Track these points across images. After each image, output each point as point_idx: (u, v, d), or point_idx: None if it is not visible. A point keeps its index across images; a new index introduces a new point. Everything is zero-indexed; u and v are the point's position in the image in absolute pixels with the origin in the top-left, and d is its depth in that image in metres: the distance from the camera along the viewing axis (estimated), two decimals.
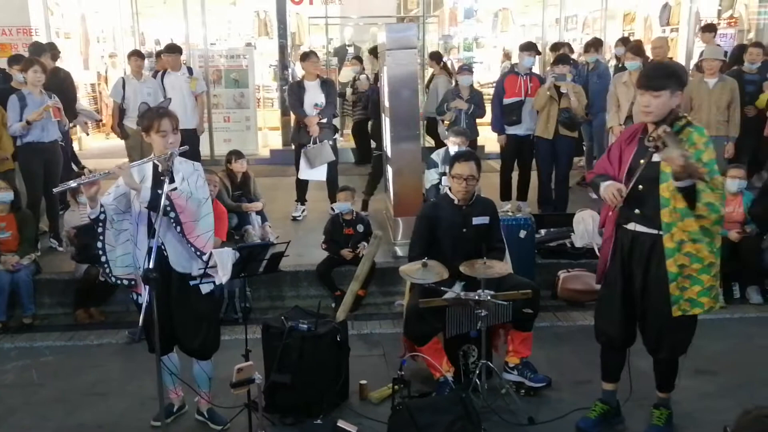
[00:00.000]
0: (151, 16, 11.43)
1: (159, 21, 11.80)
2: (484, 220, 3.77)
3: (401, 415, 3.10)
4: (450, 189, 3.79)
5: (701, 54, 7.33)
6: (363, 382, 3.64)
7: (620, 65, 7.00)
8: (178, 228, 2.97)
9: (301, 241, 5.50)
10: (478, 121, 6.57)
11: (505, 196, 6.48)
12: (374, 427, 3.33)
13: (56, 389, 3.85)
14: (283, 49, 9.43)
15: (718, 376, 3.84)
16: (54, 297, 5.05)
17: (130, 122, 6.58)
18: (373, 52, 8.55)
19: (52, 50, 6.89)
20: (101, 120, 10.56)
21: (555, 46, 7.98)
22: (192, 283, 3.09)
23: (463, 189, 3.67)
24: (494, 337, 3.77)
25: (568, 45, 7.90)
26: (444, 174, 5.42)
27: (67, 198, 5.74)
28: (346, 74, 9.75)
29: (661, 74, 2.89)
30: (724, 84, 5.88)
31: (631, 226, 3.00)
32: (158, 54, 8.02)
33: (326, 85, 6.23)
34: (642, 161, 2.87)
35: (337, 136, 6.51)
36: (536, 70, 6.85)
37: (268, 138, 10.22)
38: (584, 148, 7.47)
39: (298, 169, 6.26)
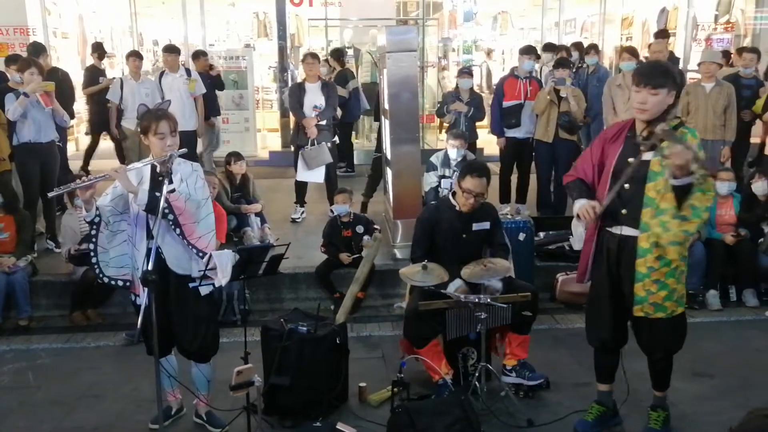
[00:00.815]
0: (150, 16, 11.40)
1: (157, 22, 11.77)
2: (485, 225, 3.77)
3: (400, 418, 3.10)
4: (452, 194, 3.78)
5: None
6: (362, 384, 3.63)
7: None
8: (178, 230, 2.96)
9: (301, 243, 5.49)
10: (477, 123, 6.58)
11: (504, 198, 6.48)
12: (373, 429, 3.33)
13: (52, 392, 3.83)
14: (282, 50, 9.43)
15: (714, 378, 3.85)
16: (51, 299, 5.02)
17: (128, 123, 6.57)
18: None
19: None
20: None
21: (547, 47, 8.03)
22: (191, 285, 3.08)
23: (470, 204, 3.66)
24: (493, 339, 3.77)
25: (567, 48, 7.91)
26: (443, 177, 5.42)
27: (64, 200, 5.73)
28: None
29: (660, 72, 2.86)
30: (720, 88, 5.90)
31: (617, 229, 2.98)
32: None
33: (327, 87, 6.23)
34: (631, 160, 2.84)
35: (336, 138, 6.50)
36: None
37: (267, 140, 10.21)
38: (582, 150, 7.48)
39: (296, 171, 6.26)
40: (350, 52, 9.89)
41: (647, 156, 2.83)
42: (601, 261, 3.07)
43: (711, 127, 5.88)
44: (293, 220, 6.39)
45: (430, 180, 5.52)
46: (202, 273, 3.03)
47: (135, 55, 6.94)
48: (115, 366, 4.15)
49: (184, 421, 3.45)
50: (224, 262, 3.03)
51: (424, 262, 3.54)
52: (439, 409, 3.17)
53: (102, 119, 7.31)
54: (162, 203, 2.84)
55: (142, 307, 2.76)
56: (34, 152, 5.37)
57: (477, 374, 3.46)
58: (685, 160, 2.62)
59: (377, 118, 7.23)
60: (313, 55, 6.48)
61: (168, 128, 3.00)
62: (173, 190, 2.96)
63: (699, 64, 6.23)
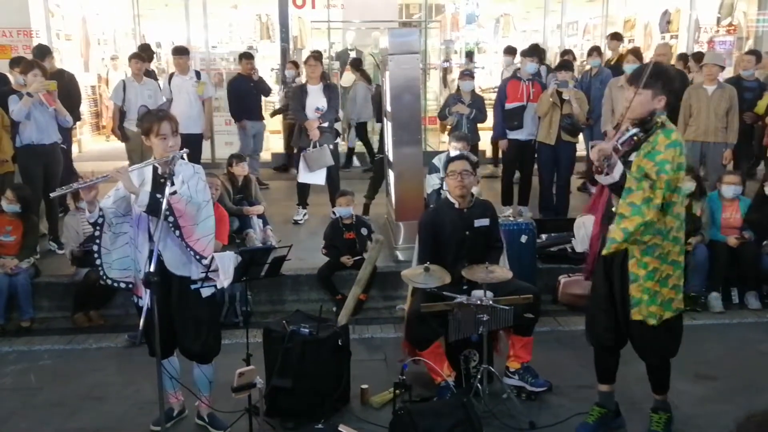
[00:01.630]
0: (153, 18, 11.42)
1: (160, 23, 11.80)
2: (485, 221, 3.78)
3: (402, 420, 3.09)
4: (449, 193, 3.79)
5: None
6: (364, 386, 3.63)
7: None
8: (177, 232, 2.96)
9: (303, 245, 5.49)
10: (479, 125, 6.59)
11: (507, 200, 6.48)
12: (375, 431, 3.32)
13: (55, 393, 3.83)
14: (284, 52, 9.44)
15: (717, 381, 3.84)
16: (53, 300, 5.02)
17: (131, 125, 6.57)
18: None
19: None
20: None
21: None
22: (192, 287, 3.08)
23: (460, 184, 3.67)
24: (495, 339, 3.77)
25: (572, 52, 7.93)
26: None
27: (66, 201, 5.74)
28: (348, 78, 9.76)
29: (651, 73, 2.88)
30: (722, 91, 5.90)
31: (613, 227, 2.98)
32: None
33: (329, 89, 6.23)
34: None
35: (338, 140, 6.50)
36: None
37: (270, 141, 10.21)
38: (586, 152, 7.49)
39: (298, 173, 6.26)
40: (353, 54, 9.90)
41: (631, 157, 2.87)
42: (600, 262, 3.09)
43: (713, 129, 5.87)
44: (295, 222, 6.39)
45: (432, 182, 5.52)
46: (203, 275, 3.03)
47: (137, 57, 6.94)
48: (118, 368, 4.15)
49: (186, 423, 3.45)
50: (226, 264, 3.03)
51: (426, 264, 3.54)
52: (441, 411, 3.16)
53: None
54: (164, 205, 2.84)
55: (144, 309, 2.76)
56: (37, 154, 5.38)
57: (479, 376, 3.46)
58: (599, 158, 2.71)
59: (379, 120, 7.23)
60: (316, 57, 6.48)
61: (170, 129, 3.01)
62: (174, 192, 2.97)
63: (701, 66, 6.22)
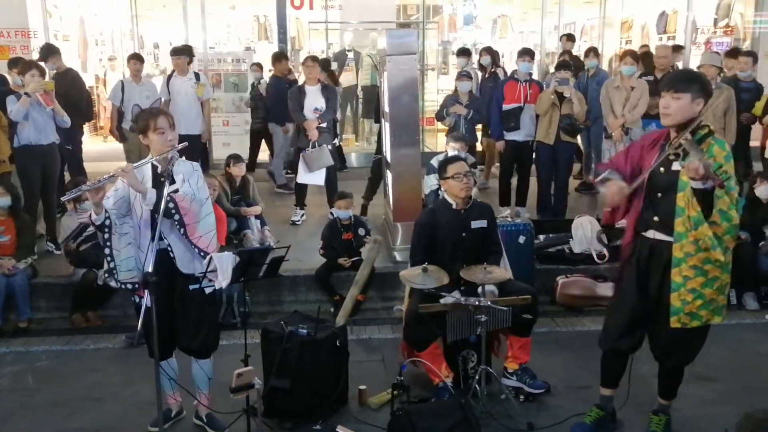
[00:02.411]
0: (151, 19, 11.41)
1: (158, 24, 11.79)
2: (483, 223, 3.79)
3: (401, 421, 3.10)
4: (446, 193, 3.79)
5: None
6: (362, 387, 3.63)
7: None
8: (182, 230, 2.97)
9: (300, 246, 5.48)
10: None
11: (504, 201, 6.49)
12: None
13: (52, 394, 3.83)
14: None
15: (715, 382, 3.84)
16: (50, 301, 5.01)
17: (129, 125, 6.57)
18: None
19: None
20: None
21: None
22: (191, 287, 3.08)
23: (466, 186, 3.69)
24: (493, 340, 3.77)
25: (570, 53, 7.95)
26: None
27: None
28: (346, 79, 9.77)
29: (684, 78, 2.90)
30: (720, 91, 5.91)
31: (650, 233, 2.99)
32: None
33: (327, 90, 6.24)
34: (662, 169, 2.86)
35: (336, 140, 6.50)
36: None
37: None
38: (584, 153, 7.51)
39: (296, 174, 6.26)
40: (350, 55, 9.90)
41: (676, 166, 2.85)
42: (631, 267, 3.07)
43: None
44: (293, 223, 6.39)
45: (430, 183, 5.51)
46: (202, 275, 3.03)
47: (136, 58, 6.94)
48: (116, 368, 4.15)
49: (184, 424, 3.44)
50: (224, 264, 3.03)
51: (424, 265, 3.54)
52: (439, 412, 3.17)
53: None
54: (164, 204, 2.85)
55: (143, 309, 2.76)
56: (35, 154, 5.37)
57: (477, 377, 3.46)
58: (698, 174, 2.64)
59: (377, 121, 7.24)
60: (314, 58, 6.49)
61: (167, 123, 3.02)
62: (176, 190, 2.97)
63: (698, 68, 6.24)
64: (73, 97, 6.34)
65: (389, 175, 5.59)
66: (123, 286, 3.09)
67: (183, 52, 6.87)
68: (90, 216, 3.00)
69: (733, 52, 7.15)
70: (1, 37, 8.57)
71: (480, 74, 7.79)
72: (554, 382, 3.73)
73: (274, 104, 7.64)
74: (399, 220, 5.25)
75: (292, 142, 6.54)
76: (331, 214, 5.45)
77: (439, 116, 6.69)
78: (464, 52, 8.08)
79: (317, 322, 3.54)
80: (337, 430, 3.24)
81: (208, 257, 3.01)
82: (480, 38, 12.24)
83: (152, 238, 2.95)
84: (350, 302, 4.45)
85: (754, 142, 6.88)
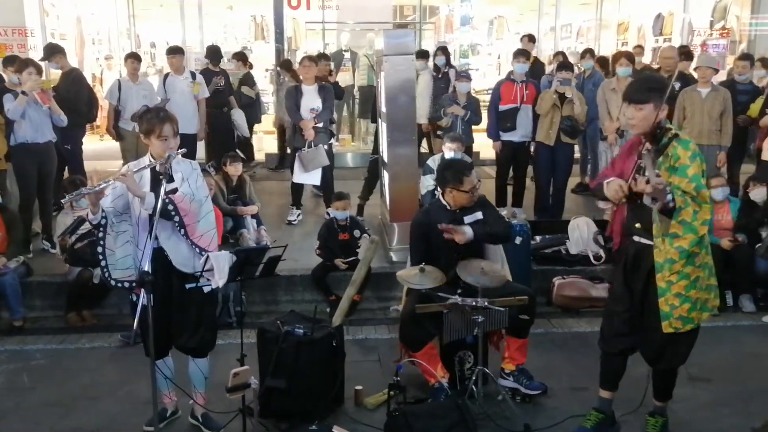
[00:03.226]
0: (148, 18, 11.40)
1: (155, 24, 11.77)
2: (477, 215, 3.76)
3: (397, 421, 3.09)
4: (442, 194, 3.78)
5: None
6: (358, 387, 3.62)
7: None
8: (183, 231, 2.97)
9: (297, 246, 5.47)
10: (473, 127, 6.59)
11: (501, 202, 6.49)
12: None
13: (47, 393, 3.81)
14: (279, 53, 9.43)
15: (712, 384, 3.85)
16: (45, 299, 4.99)
17: (126, 124, 6.55)
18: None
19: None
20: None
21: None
22: (188, 286, 3.07)
23: (471, 199, 3.70)
24: (493, 334, 3.76)
25: (563, 53, 7.96)
26: None
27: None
28: (343, 79, 9.75)
29: (644, 88, 2.94)
30: (716, 94, 5.93)
31: (636, 238, 3.03)
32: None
33: (324, 90, 6.23)
34: (638, 176, 2.87)
35: (332, 140, 6.50)
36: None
37: (264, 142, 10.19)
38: (580, 154, 7.53)
39: (293, 173, 6.26)
40: (347, 55, 9.90)
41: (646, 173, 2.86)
42: (620, 270, 3.11)
43: (707, 132, 5.90)
44: (289, 222, 6.38)
45: (426, 183, 5.52)
46: (199, 274, 3.02)
47: (133, 57, 6.93)
48: (111, 367, 4.13)
49: (180, 424, 3.43)
50: (221, 264, 3.02)
51: (421, 265, 3.54)
52: (435, 412, 3.16)
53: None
54: (161, 204, 2.85)
55: (139, 308, 2.75)
56: (31, 152, 5.35)
57: (474, 378, 3.46)
58: (646, 192, 2.69)
59: (374, 120, 7.23)
60: (310, 58, 6.49)
61: (171, 131, 3.02)
62: (175, 190, 2.96)
63: (695, 69, 6.25)
64: (75, 96, 6.31)
65: (386, 176, 5.59)
66: (118, 285, 3.08)
67: (178, 51, 6.87)
68: (87, 213, 3.00)
69: (746, 56, 7.12)
70: None
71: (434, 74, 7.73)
72: (551, 383, 3.72)
73: None
74: (395, 220, 5.25)
75: (289, 141, 6.53)
76: (328, 214, 5.44)
77: (437, 116, 6.69)
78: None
79: (313, 322, 3.53)
80: (333, 430, 3.23)
81: (205, 256, 3.00)
82: (476, 39, 12.29)
83: (150, 237, 2.95)
84: (347, 302, 4.44)
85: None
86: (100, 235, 3.01)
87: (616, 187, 2.88)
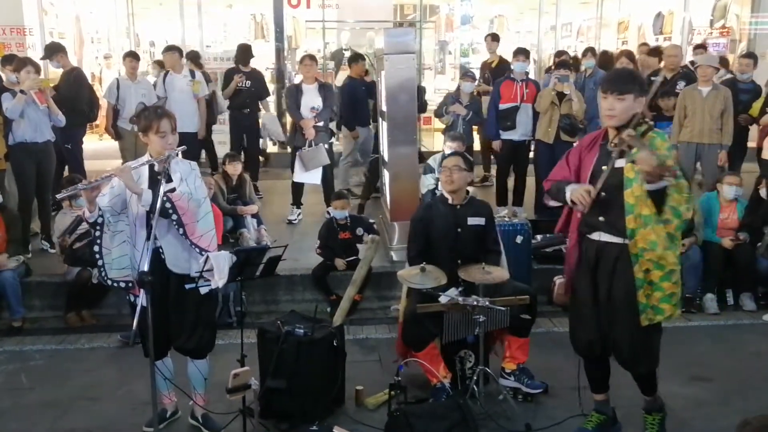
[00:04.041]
0: (147, 17, 11.37)
1: (154, 22, 11.74)
2: (480, 221, 3.76)
3: (398, 421, 3.08)
4: (443, 189, 3.79)
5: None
6: (359, 387, 3.61)
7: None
8: (181, 230, 2.95)
9: (297, 245, 5.46)
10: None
11: (501, 201, 6.48)
12: None
13: (46, 393, 3.80)
14: (279, 52, 9.41)
15: (712, 382, 3.84)
16: (45, 300, 4.98)
17: (124, 123, 6.54)
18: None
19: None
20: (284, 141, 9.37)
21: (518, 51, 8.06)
22: (187, 286, 3.06)
23: (449, 178, 3.68)
24: (491, 339, 3.75)
25: (566, 53, 7.95)
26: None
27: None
28: (343, 78, 9.74)
29: (625, 79, 2.90)
30: (717, 92, 5.92)
31: (596, 236, 2.96)
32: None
33: (324, 88, 6.23)
34: (604, 167, 2.84)
35: (333, 140, 6.49)
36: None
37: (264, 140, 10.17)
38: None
39: (293, 172, 6.25)
40: (347, 54, 9.88)
41: (620, 163, 2.83)
42: (583, 269, 3.04)
43: (707, 130, 5.89)
44: (290, 222, 6.37)
45: (427, 182, 5.50)
46: (198, 274, 3.00)
47: (131, 56, 6.91)
48: (110, 368, 4.12)
49: (179, 424, 3.42)
50: (221, 264, 3.01)
51: (422, 265, 3.53)
52: (437, 412, 3.15)
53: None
54: (160, 202, 2.83)
55: (138, 308, 2.73)
56: (30, 152, 5.33)
57: (475, 377, 3.45)
58: (650, 166, 2.64)
59: (374, 120, 7.22)
60: (311, 57, 6.48)
61: (169, 126, 3.01)
62: (173, 189, 2.95)
63: (695, 68, 6.24)
64: (76, 95, 6.29)
65: (386, 175, 5.58)
66: (115, 285, 3.07)
67: (175, 49, 6.85)
68: (84, 212, 2.99)
69: (749, 54, 7.11)
70: None
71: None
72: (552, 382, 3.71)
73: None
74: (396, 219, 5.24)
75: (289, 140, 6.51)
76: (328, 213, 5.43)
77: (438, 113, 6.69)
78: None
79: (314, 321, 3.52)
80: (333, 430, 3.21)
81: (204, 256, 2.99)
82: (477, 38, 12.27)
83: (148, 237, 2.93)
84: (347, 302, 4.43)
85: (751, 143, 6.88)
86: (97, 233, 2.99)
87: (582, 193, 2.83)
